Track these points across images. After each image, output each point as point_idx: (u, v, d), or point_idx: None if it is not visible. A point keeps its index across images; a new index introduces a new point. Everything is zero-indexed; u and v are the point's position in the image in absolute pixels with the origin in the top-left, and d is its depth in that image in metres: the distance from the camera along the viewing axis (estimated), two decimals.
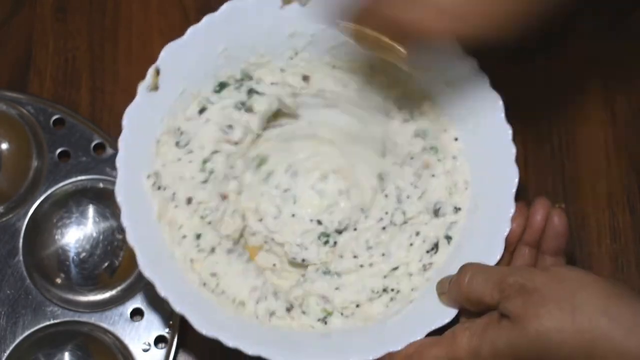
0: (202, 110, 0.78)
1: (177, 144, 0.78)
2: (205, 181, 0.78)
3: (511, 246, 0.73)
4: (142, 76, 0.89)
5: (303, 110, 0.81)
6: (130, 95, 0.88)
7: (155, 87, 0.77)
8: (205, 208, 0.77)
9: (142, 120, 0.76)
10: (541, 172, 0.87)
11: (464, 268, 0.70)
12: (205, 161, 0.78)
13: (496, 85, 0.77)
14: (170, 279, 0.73)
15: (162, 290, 0.71)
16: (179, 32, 0.90)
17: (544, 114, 0.88)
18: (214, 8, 0.91)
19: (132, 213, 0.73)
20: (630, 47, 0.90)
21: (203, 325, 0.71)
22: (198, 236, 0.77)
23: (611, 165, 0.87)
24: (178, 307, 0.71)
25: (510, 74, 0.89)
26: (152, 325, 0.82)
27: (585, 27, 0.90)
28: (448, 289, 0.71)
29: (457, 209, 0.78)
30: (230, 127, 0.79)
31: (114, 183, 0.84)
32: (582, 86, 0.89)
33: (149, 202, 0.76)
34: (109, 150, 0.86)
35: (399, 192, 0.80)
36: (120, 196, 0.73)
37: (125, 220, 0.72)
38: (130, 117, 0.75)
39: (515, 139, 0.75)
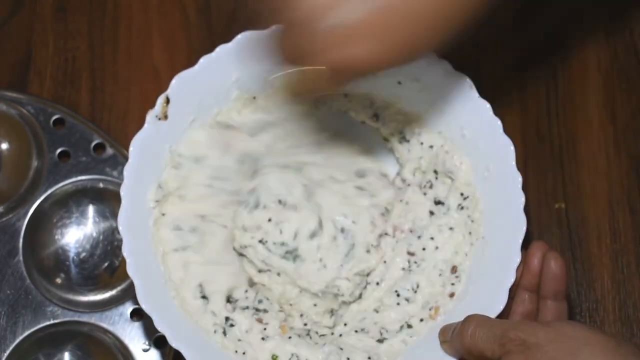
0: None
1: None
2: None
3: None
4: (142, 76, 0.90)
5: None
6: (130, 95, 0.89)
7: (164, 116, 0.76)
8: None
9: (149, 149, 0.75)
10: (541, 172, 0.87)
11: (468, 320, 0.69)
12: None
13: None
14: (168, 313, 0.73)
15: (160, 325, 0.71)
16: (179, 32, 0.91)
17: (544, 114, 0.88)
18: (213, 8, 0.91)
19: (134, 244, 0.73)
20: (628, 47, 0.91)
21: None
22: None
23: (611, 165, 0.87)
24: (174, 342, 0.71)
25: (509, 77, 0.89)
26: (152, 325, 0.81)
27: (584, 29, 0.91)
28: (450, 338, 0.70)
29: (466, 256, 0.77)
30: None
31: (114, 183, 0.85)
32: (582, 86, 0.89)
33: (150, 236, 0.75)
34: (109, 150, 0.86)
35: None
36: (122, 226, 0.73)
37: (126, 252, 0.72)
38: (137, 145, 0.75)
39: (518, 163, 0.74)
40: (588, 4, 0.91)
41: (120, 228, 0.72)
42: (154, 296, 0.72)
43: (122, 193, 0.73)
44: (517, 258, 0.73)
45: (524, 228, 0.73)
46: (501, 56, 0.89)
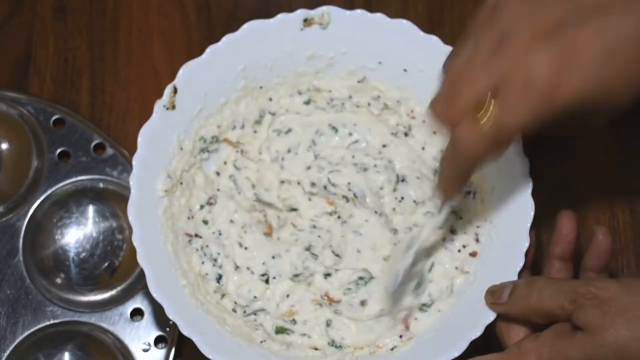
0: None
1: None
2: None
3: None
4: (142, 76, 0.90)
5: None
6: (130, 95, 0.89)
7: (172, 106, 0.76)
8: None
9: (157, 139, 0.76)
10: (541, 172, 0.87)
11: (534, 281, 0.69)
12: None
13: None
14: (179, 301, 0.73)
15: (171, 314, 0.71)
16: (179, 32, 0.91)
17: None
18: (213, 8, 0.91)
19: (144, 234, 0.73)
20: None
21: (211, 350, 0.71)
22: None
23: (611, 165, 0.87)
24: (186, 331, 0.71)
25: None
26: (152, 325, 0.82)
27: None
28: (509, 300, 0.70)
29: (476, 241, 0.78)
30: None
31: (114, 183, 0.85)
32: None
33: (160, 225, 0.75)
34: (109, 150, 0.86)
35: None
36: (132, 215, 0.73)
37: (136, 241, 0.72)
38: (146, 135, 0.75)
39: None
40: None
41: (130, 217, 0.73)
42: (165, 285, 0.72)
43: (131, 183, 0.74)
44: (525, 242, 0.73)
45: (532, 213, 0.73)
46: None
